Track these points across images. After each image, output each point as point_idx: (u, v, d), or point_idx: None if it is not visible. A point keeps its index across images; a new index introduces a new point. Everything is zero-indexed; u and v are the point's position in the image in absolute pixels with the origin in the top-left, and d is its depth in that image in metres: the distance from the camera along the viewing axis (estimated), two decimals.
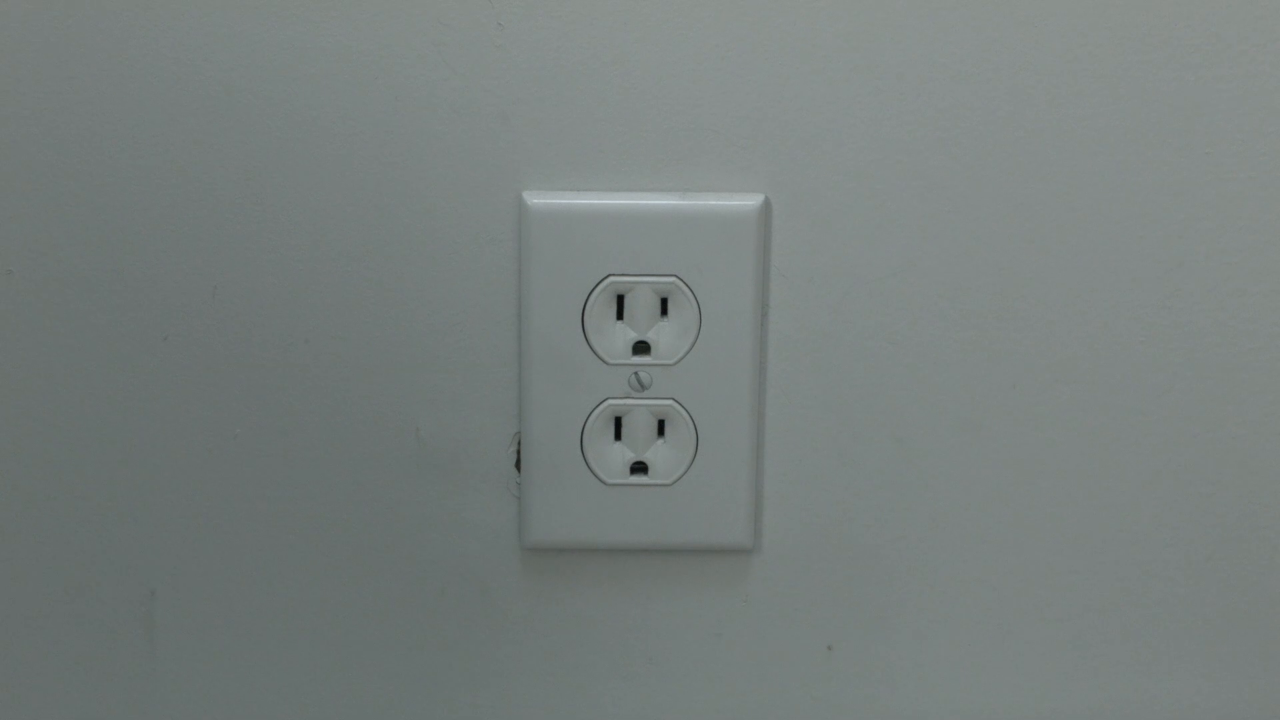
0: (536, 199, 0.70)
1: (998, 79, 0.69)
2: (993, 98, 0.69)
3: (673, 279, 0.71)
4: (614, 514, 0.73)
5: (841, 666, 0.76)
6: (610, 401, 0.72)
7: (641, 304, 0.71)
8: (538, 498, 0.73)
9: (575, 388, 0.72)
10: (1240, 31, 0.68)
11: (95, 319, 0.72)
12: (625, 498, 0.73)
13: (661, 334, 0.71)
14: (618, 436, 0.73)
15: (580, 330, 0.71)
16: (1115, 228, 0.71)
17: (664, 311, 0.71)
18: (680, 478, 0.73)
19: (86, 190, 0.71)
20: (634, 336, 0.71)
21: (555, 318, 0.71)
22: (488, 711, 0.77)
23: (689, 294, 0.71)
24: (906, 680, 0.77)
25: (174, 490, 0.74)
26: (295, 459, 0.74)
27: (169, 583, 0.75)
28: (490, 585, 0.75)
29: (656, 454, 0.73)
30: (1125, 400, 0.73)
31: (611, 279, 0.71)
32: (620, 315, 0.71)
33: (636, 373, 0.72)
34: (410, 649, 0.76)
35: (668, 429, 0.73)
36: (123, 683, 0.76)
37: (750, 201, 0.70)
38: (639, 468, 0.73)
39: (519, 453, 0.73)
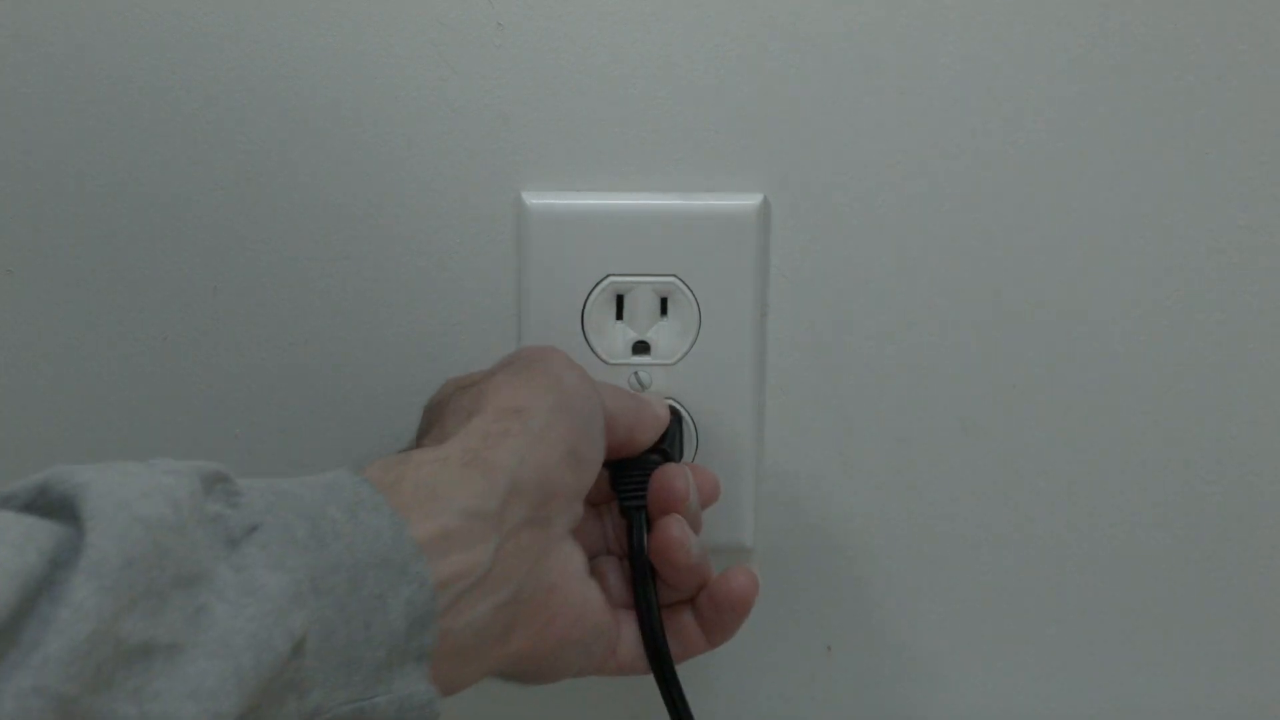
0: (536, 199, 0.70)
1: (997, 79, 0.69)
2: (992, 97, 0.69)
3: (672, 279, 0.71)
4: None
5: (841, 666, 0.76)
6: None
7: (641, 304, 0.71)
8: None
9: None
10: (1240, 31, 0.68)
11: (95, 319, 0.72)
12: None
13: (661, 334, 0.71)
14: None
15: (580, 330, 0.71)
16: (1115, 228, 0.71)
17: (664, 311, 0.71)
18: None
19: (86, 190, 0.71)
20: (634, 336, 0.71)
21: (555, 318, 0.71)
22: (488, 712, 0.77)
23: (689, 294, 0.71)
24: (906, 680, 0.77)
25: None
26: (295, 459, 0.73)
27: None
28: None
29: None
30: (1125, 400, 0.73)
31: (611, 279, 0.71)
32: (620, 315, 0.71)
33: (636, 373, 0.72)
34: None
35: None
36: None
37: (750, 201, 0.70)
38: None
39: None
